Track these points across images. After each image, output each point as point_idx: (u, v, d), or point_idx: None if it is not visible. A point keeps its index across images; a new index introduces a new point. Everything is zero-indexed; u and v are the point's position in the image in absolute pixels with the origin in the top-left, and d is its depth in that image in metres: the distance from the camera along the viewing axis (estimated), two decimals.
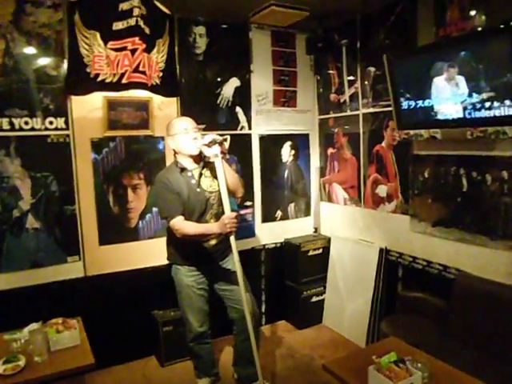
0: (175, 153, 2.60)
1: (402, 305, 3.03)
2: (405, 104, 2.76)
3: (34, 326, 2.32)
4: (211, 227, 2.45)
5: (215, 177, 2.50)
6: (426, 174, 2.96)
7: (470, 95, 2.37)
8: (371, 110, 3.41)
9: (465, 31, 2.58)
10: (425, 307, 2.81)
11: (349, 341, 3.53)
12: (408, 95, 2.74)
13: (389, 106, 3.07)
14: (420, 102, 2.66)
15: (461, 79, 2.38)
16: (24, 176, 2.83)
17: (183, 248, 2.60)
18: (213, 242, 2.58)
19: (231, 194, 2.57)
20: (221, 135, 2.47)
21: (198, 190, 2.53)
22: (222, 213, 2.45)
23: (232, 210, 2.45)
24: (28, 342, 2.19)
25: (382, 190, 3.38)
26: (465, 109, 2.41)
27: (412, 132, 2.84)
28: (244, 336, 2.73)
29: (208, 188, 2.56)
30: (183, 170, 2.54)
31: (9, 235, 2.80)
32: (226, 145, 2.38)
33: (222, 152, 2.43)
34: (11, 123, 2.76)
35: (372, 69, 3.35)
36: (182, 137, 2.49)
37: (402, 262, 3.23)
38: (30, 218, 2.85)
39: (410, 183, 3.09)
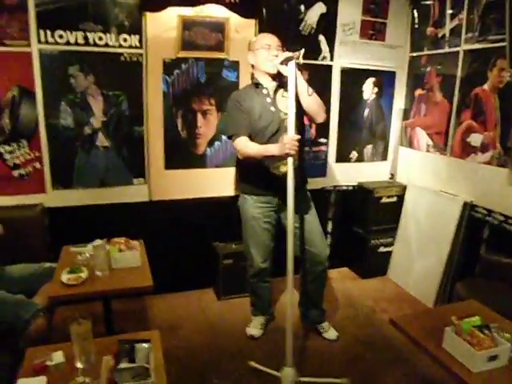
0: (253, 70, 2.50)
1: (483, 268, 2.72)
2: None
3: (98, 241, 2.32)
4: (270, 148, 2.28)
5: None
6: None
7: None
8: (476, 45, 2.93)
9: None
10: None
11: (415, 298, 3.31)
12: None
13: (500, 40, 2.63)
14: None
15: None
16: (97, 93, 2.79)
17: (253, 175, 2.50)
18: (283, 168, 2.40)
19: (311, 118, 2.46)
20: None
21: (273, 109, 2.41)
22: None
23: None
24: (91, 257, 2.22)
25: (475, 139, 2.97)
26: None
27: None
28: (312, 277, 2.68)
29: (284, 109, 2.37)
30: (258, 85, 2.44)
31: (80, 151, 2.83)
32: (301, 58, 2.13)
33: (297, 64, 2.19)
34: (85, 38, 2.69)
35: None
36: (263, 52, 2.37)
37: (490, 220, 2.86)
38: (101, 135, 2.85)
39: None
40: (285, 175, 2.36)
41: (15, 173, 2.72)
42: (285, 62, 2.16)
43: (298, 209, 2.44)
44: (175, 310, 3.05)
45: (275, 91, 2.45)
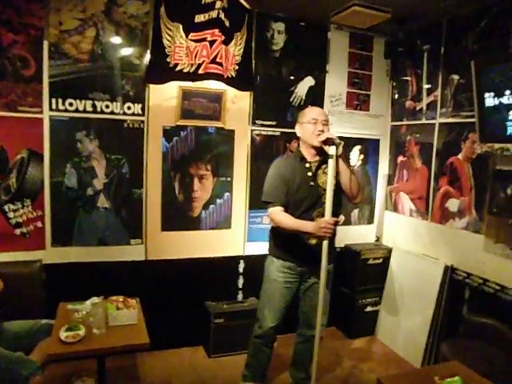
0: (298, 141, 2.58)
1: (466, 329, 2.83)
2: (491, 115, 2.58)
3: (95, 299, 2.42)
4: (305, 225, 2.33)
5: (335, 176, 2.38)
6: (510, 191, 2.74)
7: None
8: (450, 120, 3.23)
9: None
10: (493, 335, 2.60)
11: (402, 359, 3.36)
12: (495, 106, 2.55)
13: (471, 116, 2.91)
14: (511, 114, 2.47)
15: None
16: (100, 157, 2.97)
17: (284, 242, 2.53)
18: (313, 241, 2.46)
19: (348, 198, 2.53)
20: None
21: (312, 183, 2.46)
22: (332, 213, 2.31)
23: None
24: (89, 314, 2.28)
25: (452, 204, 3.19)
26: None
27: (497, 146, 2.65)
28: (302, 338, 2.72)
29: (323, 185, 2.43)
30: (302, 159, 2.50)
31: (82, 212, 2.96)
32: (340, 150, 2.28)
33: (339, 155, 2.31)
34: (94, 106, 2.91)
35: (455, 76, 3.17)
36: (309, 126, 2.44)
37: (470, 283, 3.02)
38: (102, 197, 2.99)
39: (489, 200, 2.88)
40: (314, 246, 2.46)
41: (17, 231, 2.82)
42: (327, 142, 2.27)
43: (318, 278, 2.46)
44: (167, 366, 3.07)
45: (317, 166, 2.49)
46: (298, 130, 2.54)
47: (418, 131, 3.56)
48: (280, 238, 2.55)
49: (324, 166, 2.47)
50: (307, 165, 2.49)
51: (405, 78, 3.70)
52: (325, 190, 2.39)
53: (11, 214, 2.80)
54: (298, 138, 2.59)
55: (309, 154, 2.50)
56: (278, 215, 2.39)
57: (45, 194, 2.87)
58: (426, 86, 3.47)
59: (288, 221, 2.37)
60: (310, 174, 2.47)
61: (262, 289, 2.66)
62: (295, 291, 2.61)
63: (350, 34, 3.64)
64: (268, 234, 2.69)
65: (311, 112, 2.51)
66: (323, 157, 2.45)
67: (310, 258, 2.48)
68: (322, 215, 2.40)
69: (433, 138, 3.38)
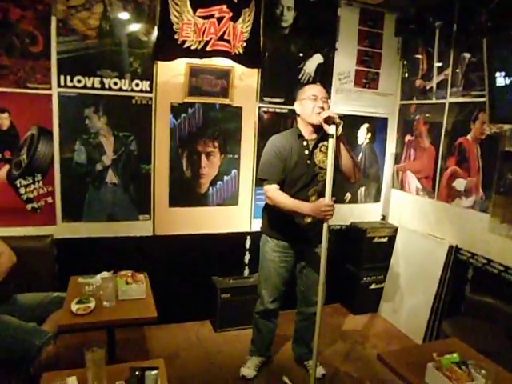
0: (297, 119, 2.55)
1: (468, 308, 2.87)
2: (502, 95, 2.55)
3: (105, 274, 2.49)
4: (303, 207, 2.29)
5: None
6: None
7: None
8: (460, 99, 3.19)
9: None
10: (495, 314, 2.64)
11: (404, 335, 3.43)
12: (506, 86, 2.52)
13: (481, 96, 2.86)
14: None
15: None
16: (108, 133, 2.99)
17: (277, 221, 2.53)
18: (308, 219, 2.46)
19: (345, 178, 2.49)
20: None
21: (309, 162, 2.44)
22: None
23: None
24: (99, 288, 2.34)
25: (459, 184, 3.19)
26: None
27: (506, 127, 2.62)
28: (302, 317, 2.78)
29: (320, 163, 2.44)
30: (300, 136, 2.48)
31: (91, 187, 3.00)
32: (340, 129, 2.24)
33: (338, 136, 2.24)
34: (102, 83, 2.92)
35: (467, 55, 3.11)
36: (309, 102, 2.41)
37: (473, 262, 3.05)
38: (110, 173, 3.03)
39: (496, 180, 2.87)
40: (308, 225, 2.48)
41: (28, 206, 2.88)
42: (328, 121, 2.22)
43: (315, 261, 2.48)
44: (174, 340, 3.15)
45: (315, 144, 2.46)
46: (297, 107, 2.51)
47: (428, 110, 3.52)
48: (274, 216, 2.54)
49: (321, 145, 2.46)
50: (304, 142, 2.47)
51: (415, 56, 3.65)
52: (321, 168, 2.41)
53: (22, 190, 2.85)
54: (297, 116, 2.56)
55: (307, 132, 2.48)
56: (274, 193, 2.38)
57: (55, 170, 2.91)
58: (436, 65, 3.42)
59: (285, 200, 2.35)
60: (307, 152, 2.46)
61: (260, 268, 2.70)
62: (292, 268, 2.65)
63: (360, 10, 3.57)
64: (262, 212, 2.69)
65: (311, 89, 2.48)
66: (320, 134, 2.44)
67: (304, 238, 2.52)
68: (318, 194, 2.42)
69: (442, 118, 3.35)
